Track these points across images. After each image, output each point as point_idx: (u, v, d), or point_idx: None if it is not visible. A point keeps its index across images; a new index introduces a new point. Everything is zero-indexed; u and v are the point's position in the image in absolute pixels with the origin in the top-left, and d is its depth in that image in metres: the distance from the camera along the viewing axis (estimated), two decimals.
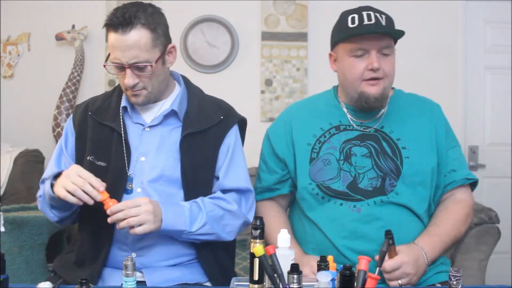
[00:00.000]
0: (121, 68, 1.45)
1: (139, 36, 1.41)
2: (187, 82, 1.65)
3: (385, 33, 1.48)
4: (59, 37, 3.13)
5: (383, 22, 1.48)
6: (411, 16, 3.25)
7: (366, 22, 1.47)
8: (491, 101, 3.37)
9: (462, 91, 3.31)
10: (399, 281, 1.37)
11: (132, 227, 1.36)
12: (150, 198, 1.40)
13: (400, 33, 1.50)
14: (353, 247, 1.47)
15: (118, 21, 1.41)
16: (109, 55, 1.48)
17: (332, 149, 1.54)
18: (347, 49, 1.51)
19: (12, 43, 3.23)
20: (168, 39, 1.52)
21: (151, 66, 1.44)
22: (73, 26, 3.15)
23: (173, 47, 1.54)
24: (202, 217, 1.45)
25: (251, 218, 1.54)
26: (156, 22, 1.45)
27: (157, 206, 1.40)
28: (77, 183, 1.34)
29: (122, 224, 1.35)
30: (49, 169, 1.56)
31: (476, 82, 3.36)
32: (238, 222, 1.52)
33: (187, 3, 3.20)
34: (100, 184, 1.36)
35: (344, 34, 1.51)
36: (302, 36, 3.24)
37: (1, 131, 3.09)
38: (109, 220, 1.35)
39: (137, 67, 1.44)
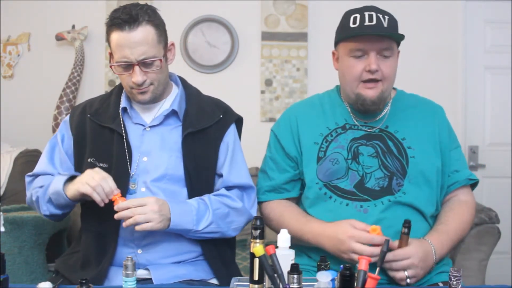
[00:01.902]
0: (128, 66, 1.46)
1: (146, 32, 1.44)
2: (184, 82, 1.67)
3: (384, 35, 1.47)
4: (59, 37, 3.13)
5: (385, 24, 1.47)
6: (411, 16, 3.25)
7: (367, 23, 1.46)
8: (491, 101, 3.36)
9: (462, 91, 3.31)
10: (406, 273, 1.36)
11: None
12: (157, 198, 1.42)
13: (401, 36, 1.49)
14: None
15: (125, 19, 1.42)
16: (111, 56, 1.49)
17: (339, 148, 1.54)
18: (347, 49, 1.51)
19: (12, 43, 3.23)
20: (167, 37, 1.54)
21: (160, 60, 1.47)
22: (73, 26, 3.15)
23: (172, 44, 1.57)
24: (209, 215, 1.48)
25: (254, 213, 1.57)
26: (158, 19, 1.49)
27: (165, 206, 1.42)
28: (97, 179, 1.38)
29: (129, 221, 1.37)
30: (41, 165, 1.57)
31: (476, 82, 3.35)
32: (242, 219, 1.55)
33: (187, 3, 3.20)
34: (115, 187, 1.39)
35: (345, 33, 1.51)
36: (302, 36, 3.24)
37: (1, 131, 3.09)
38: (116, 216, 1.38)
39: (145, 64, 1.45)
